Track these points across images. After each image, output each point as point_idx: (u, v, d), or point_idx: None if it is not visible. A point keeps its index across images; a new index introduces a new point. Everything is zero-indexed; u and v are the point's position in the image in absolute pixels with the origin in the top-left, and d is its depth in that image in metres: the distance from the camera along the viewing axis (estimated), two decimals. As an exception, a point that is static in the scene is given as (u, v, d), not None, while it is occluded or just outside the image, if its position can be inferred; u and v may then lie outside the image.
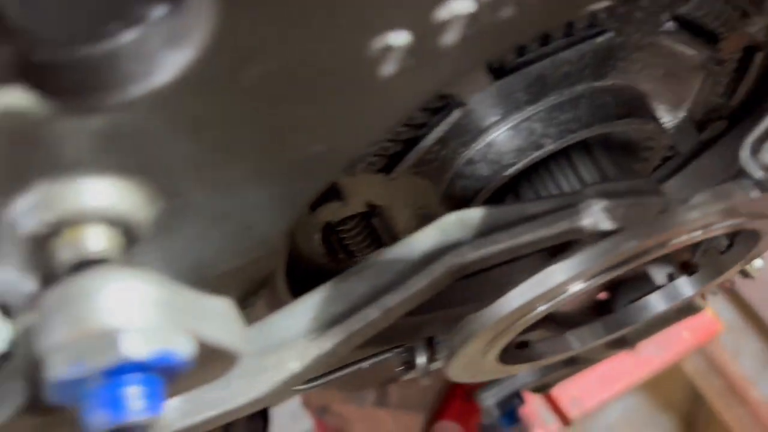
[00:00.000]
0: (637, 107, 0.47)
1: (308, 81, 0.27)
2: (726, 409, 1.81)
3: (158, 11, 0.22)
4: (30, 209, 0.25)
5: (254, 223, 0.32)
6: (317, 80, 0.27)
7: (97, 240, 0.26)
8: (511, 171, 0.44)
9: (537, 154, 0.44)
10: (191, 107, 0.25)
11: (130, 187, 0.27)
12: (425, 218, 0.43)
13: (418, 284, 0.38)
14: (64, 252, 0.26)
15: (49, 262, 0.26)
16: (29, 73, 0.22)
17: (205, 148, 0.27)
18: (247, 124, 0.28)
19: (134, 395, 0.23)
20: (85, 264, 0.26)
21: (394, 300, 0.38)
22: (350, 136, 0.31)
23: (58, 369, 0.23)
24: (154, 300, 0.24)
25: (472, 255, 0.38)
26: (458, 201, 0.45)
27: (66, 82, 0.22)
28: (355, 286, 0.38)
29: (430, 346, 0.50)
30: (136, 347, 0.23)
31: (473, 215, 0.39)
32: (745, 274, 0.57)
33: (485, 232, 0.39)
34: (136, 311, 0.24)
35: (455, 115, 0.41)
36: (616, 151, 0.49)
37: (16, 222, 0.26)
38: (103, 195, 0.26)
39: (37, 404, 0.25)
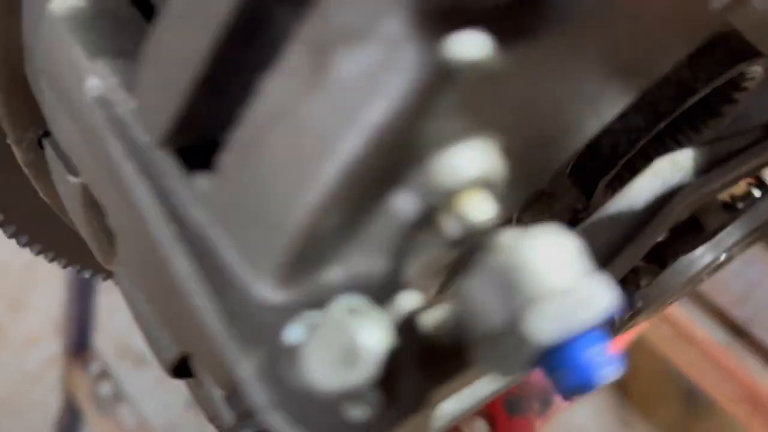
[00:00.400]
0: None
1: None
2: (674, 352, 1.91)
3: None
4: (415, 187, 0.22)
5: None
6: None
7: (479, 208, 0.23)
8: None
9: None
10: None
11: (494, 145, 0.24)
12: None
13: (653, 232, 0.37)
14: (450, 226, 0.23)
15: (428, 240, 0.23)
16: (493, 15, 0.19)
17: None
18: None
19: (601, 353, 0.21)
20: (474, 235, 0.23)
21: (629, 254, 0.37)
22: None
23: (546, 334, 0.20)
24: (582, 254, 0.22)
25: (702, 191, 0.37)
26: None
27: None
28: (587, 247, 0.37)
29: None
30: (609, 303, 0.21)
31: (684, 156, 0.39)
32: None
33: (700, 170, 0.38)
34: (582, 267, 0.21)
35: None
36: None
37: (396, 206, 0.23)
38: (481, 159, 0.23)
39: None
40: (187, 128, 0.25)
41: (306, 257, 0.24)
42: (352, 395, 0.23)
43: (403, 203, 0.23)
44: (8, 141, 0.39)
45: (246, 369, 0.23)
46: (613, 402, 2.47)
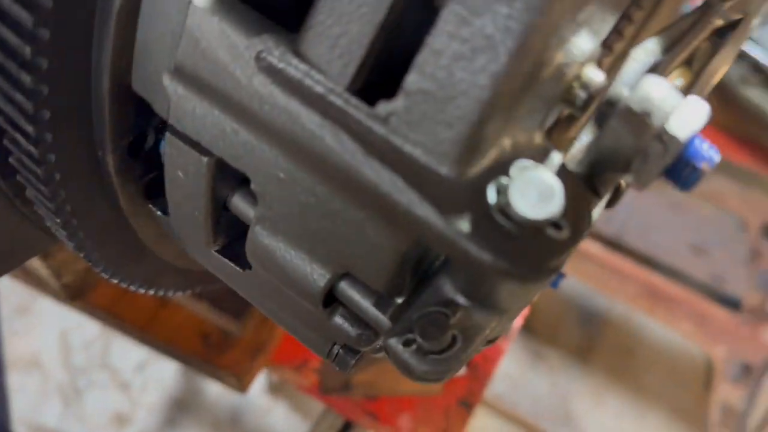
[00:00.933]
0: None
1: None
2: (570, 269, 2.13)
3: None
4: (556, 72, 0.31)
5: None
6: None
7: (596, 74, 0.32)
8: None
9: None
10: None
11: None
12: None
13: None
14: (580, 93, 0.32)
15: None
16: None
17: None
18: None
19: (708, 146, 0.31)
20: (595, 96, 0.32)
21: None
22: None
23: (685, 131, 0.30)
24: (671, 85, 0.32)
25: (670, 64, 0.49)
26: None
27: None
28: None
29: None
30: (703, 113, 0.31)
31: (652, 43, 0.50)
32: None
33: (665, 50, 0.50)
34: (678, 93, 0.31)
35: None
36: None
37: (543, 88, 0.31)
38: (590, 40, 0.32)
39: None
40: (368, 72, 0.32)
41: (485, 137, 0.32)
42: (553, 221, 0.31)
43: (549, 87, 0.32)
44: (99, 153, 0.43)
45: (465, 228, 0.31)
46: (522, 337, 2.68)
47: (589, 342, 2.88)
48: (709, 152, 0.31)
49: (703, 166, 0.31)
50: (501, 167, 0.32)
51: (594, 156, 0.33)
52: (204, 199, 0.41)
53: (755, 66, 1.38)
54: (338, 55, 0.32)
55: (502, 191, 0.31)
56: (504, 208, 0.31)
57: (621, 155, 0.32)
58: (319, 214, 0.37)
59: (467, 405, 1.04)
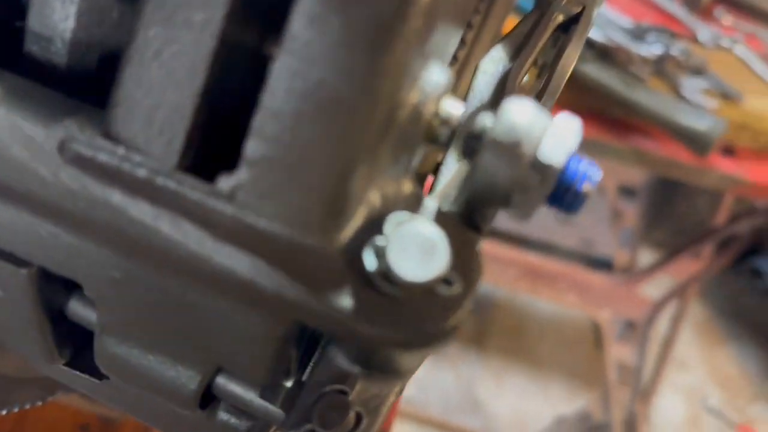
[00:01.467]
0: None
1: None
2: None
3: None
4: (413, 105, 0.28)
5: None
6: None
7: (455, 106, 0.29)
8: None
9: None
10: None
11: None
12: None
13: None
14: (441, 130, 0.29)
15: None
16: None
17: None
18: None
19: (586, 166, 0.28)
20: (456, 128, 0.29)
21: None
22: None
23: (558, 156, 0.27)
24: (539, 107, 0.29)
25: (520, 69, 0.47)
26: None
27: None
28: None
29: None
30: (577, 129, 0.28)
31: (497, 51, 0.48)
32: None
33: (512, 57, 0.48)
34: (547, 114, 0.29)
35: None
36: None
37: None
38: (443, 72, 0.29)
39: None
40: (198, 143, 0.27)
41: (349, 196, 0.27)
42: (440, 279, 0.27)
43: (408, 130, 0.28)
44: None
45: (347, 304, 0.27)
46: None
47: (481, 328, 2.94)
48: (588, 170, 0.29)
49: (585, 187, 0.28)
50: (374, 226, 0.28)
51: (470, 192, 0.30)
52: (34, 314, 0.35)
53: (588, 43, 1.44)
54: (158, 132, 0.27)
55: (380, 254, 0.27)
56: (386, 273, 0.27)
57: (498, 189, 0.28)
58: (173, 311, 0.32)
59: None
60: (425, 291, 0.27)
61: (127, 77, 0.27)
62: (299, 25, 0.25)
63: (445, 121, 0.29)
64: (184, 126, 0.27)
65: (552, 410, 2.68)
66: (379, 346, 0.28)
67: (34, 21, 0.31)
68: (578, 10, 0.49)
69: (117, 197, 0.28)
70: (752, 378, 3.28)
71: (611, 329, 2.39)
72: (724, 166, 1.59)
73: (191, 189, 0.27)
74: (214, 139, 0.28)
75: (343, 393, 0.32)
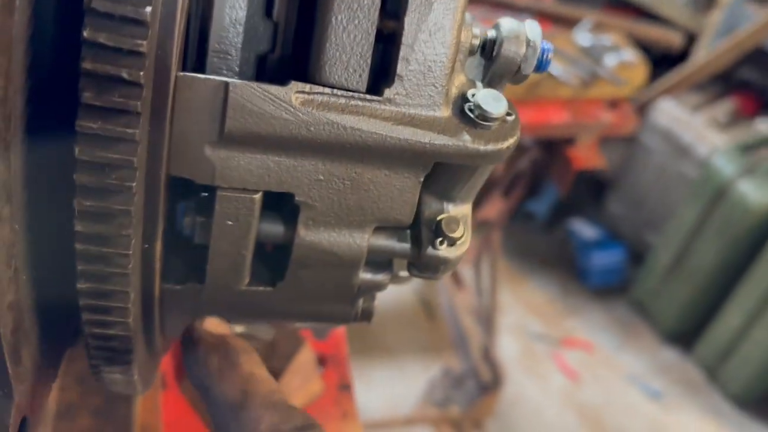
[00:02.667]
0: None
1: None
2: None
3: None
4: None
5: None
6: None
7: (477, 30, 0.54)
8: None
9: None
10: None
11: None
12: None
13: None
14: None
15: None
16: None
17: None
18: None
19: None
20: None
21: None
22: None
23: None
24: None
25: None
26: None
27: None
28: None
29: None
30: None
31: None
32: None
33: None
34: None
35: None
36: None
37: None
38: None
39: None
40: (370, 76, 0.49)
41: (450, 85, 0.51)
42: (506, 111, 0.52)
43: (462, 53, 0.53)
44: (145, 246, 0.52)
45: (467, 139, 0.51)
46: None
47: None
48: (547, 45, 0.55)
49: (551, 55, 0.55)
50: (462, 97, 0.52)
51: (492, 72, 0.55)
52: (253, 234, 0.53)
53: None
54: (352, 71, 0.48)
55: (474, 107, 0.51)
56: (482, 115, 0.51)
57: (512, 64, 0.54)
58: (353, 191, 0.52)
59: (346, 387, 1.19)
60: (501, 120, 0.52)
61: (329, 46, 0.48)
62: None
63: (475, 38, 0.54)
64: (366, 67, 0.49)
65: (415, 385, 2.96)
66: (485, 158, 0.52)
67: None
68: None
69: (333, 116, 0.49)
70: (556, 300, 3.87)
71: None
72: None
73: (375, 102, 0.49)
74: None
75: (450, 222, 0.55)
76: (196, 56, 0.51)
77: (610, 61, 2.47)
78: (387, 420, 2.74)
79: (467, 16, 0.53)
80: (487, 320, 2.67)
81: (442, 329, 3.19)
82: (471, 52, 0.55)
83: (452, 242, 0.56)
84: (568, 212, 4.10)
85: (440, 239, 0.55)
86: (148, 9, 0.40)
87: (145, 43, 0.41)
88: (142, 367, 0.59)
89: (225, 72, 0.51)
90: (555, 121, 2.09)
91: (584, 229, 3.97)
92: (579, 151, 2.21)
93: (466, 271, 2.81)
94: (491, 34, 0.54)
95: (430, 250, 0.56)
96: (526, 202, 3.72)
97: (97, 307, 0.50)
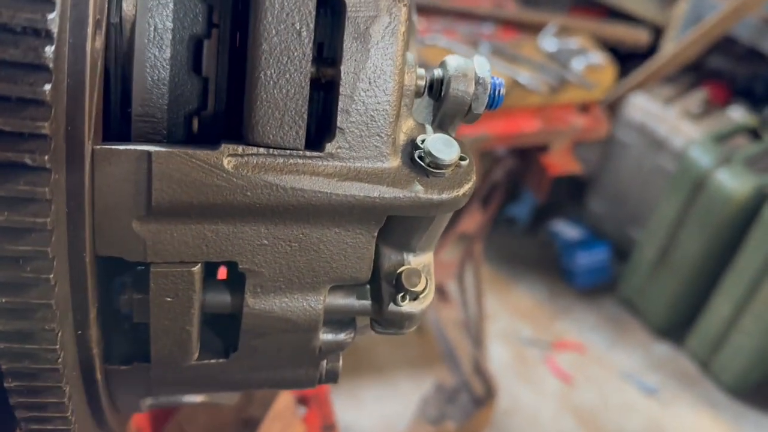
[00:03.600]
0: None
1: None
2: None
3: None
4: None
5: None
6: None
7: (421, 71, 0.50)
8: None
9: None
10: None
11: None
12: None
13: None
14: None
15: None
16: None
17: None
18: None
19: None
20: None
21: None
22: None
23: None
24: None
25: None
26: None
27: None
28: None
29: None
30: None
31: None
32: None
33: None
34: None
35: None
36: None
37: None
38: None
39: None
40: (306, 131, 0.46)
41: (397, 131, 0.48)
42: (459, 156, 0.48)
43: (408, 93, 0.49)
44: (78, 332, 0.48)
45: (419, 189, 0.47)
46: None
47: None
48: (498, 80, 0.51)
49: (502, 90, 0.51)
50: (411, 143, 0.49)
51: (442, 113, 0.51)
52: (195, 308, 0.49)
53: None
54: (288, 129, 0.45)
55: (425, 154, 0.48)
56: (432, 163, 0.47)
57: (462, 104, 0.50)
58: (301, 253, 0.49)
59: (330, 428, 1.15)
60: (455, 166, 0.48)
61: (259, 105, 0.44)
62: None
63: (420, 79, 0.50)
64: (303, 123, 0.45)
65: (408, 403, 2.92)
66: (440, 208, 0.48)
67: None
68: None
69: (272, 179, 0.45)
70: (544, 303, 3.84)
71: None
72: (468, 130, 1.96)
73: (315, 158, 0.45)
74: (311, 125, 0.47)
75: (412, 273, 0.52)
76: (121, 121, 0.47)
77: (578, 64, 2.45)
78: (382, 441, 2.69)
79: (409, 56, 0.49)
80: (476, 332, 2.63)
81: (432, 343, 3.15)
82: (418, 94, 0.51)
83: (414, 296, 0.52)
84: (550, 214, 4.09)
85: (402, 294, 0.52)
86: (47, 87, 0.36)
87: (46, 124, 0.37)
88: None
89: (152, 136, 0.47)
90: (526, 129, 2.06)
91: (567, 230, 3.95)
92: (553, 158, 2.18)
93: (451, 285, 2.78)
94: (438, 73, 0.51)
95: (392, 307, 0.52)
96: (506, 207, 3.69)
97: (31, 405, 0.46)
